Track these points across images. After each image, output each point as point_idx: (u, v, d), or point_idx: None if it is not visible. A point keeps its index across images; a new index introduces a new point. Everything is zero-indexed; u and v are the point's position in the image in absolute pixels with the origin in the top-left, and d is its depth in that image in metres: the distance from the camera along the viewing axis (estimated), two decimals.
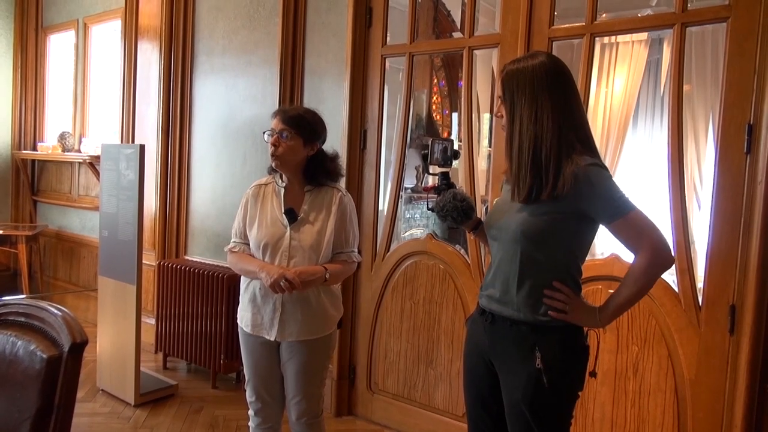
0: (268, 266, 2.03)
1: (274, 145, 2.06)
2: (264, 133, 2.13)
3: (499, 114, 1.65)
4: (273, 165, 2.11)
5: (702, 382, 2.23)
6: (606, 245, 2.62)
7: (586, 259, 1.65)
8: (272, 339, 2.09)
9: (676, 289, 2.27)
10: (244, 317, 2.16)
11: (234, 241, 2.20)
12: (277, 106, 3.35)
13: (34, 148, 5.24)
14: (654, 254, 1.50)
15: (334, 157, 2.20)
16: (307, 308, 2.09)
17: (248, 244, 2.16)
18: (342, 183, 2.85)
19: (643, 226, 1.51)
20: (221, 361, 3.45)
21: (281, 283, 1.94)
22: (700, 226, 3.01)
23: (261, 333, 2.11)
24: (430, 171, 1.95)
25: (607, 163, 1.63)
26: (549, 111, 1.53)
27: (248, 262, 2.11)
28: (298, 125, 2.08)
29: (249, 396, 2.21)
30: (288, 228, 2.08)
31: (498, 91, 1.65)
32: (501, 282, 1.64)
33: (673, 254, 1.54)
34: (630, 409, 2.38)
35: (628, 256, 1.60)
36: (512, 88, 1.59)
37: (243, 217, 2.18)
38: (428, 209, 1.92)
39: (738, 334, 2.14)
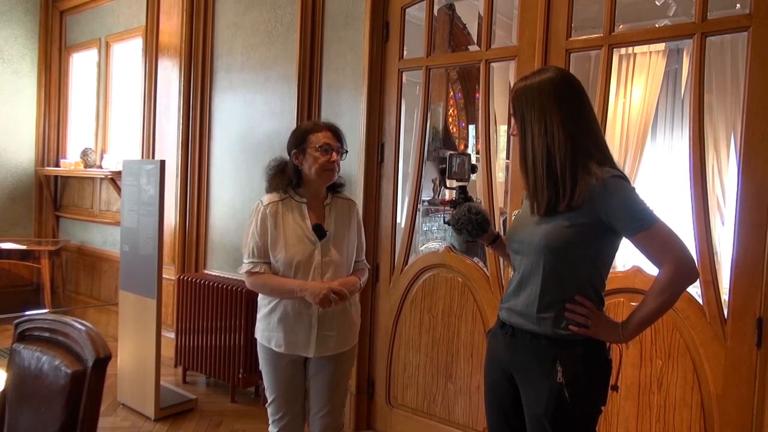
0: (310, 284, 2.00)
1: (335, 161, 2.06)
2: (319, 147, 2.03)
3: (513, 132, 1.66)
4: (328, 180, 2.09)
5: (729, 396, 2.18)
6: (627, 257, 2.58)
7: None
8: (311, 356, 2.08)
9: (701, 302, 2.23)
10: (272, 337, 2.09)
11: (252, 261, 2.08)
12: (295, 121, 3.38)
13: (57, 165, 5.34)
14: (678, 268, 1.48)
15: None
16: (341, 320, 2.11)
17: (269, 263, 2.08)
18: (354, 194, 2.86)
19: (667, 239, 1.50)
20: (240, 375, 3.45)
21: (330, 297, 1.95)
22: (724, 238, 2.97)
23: (296, 351, 2.08)
24: (448, 185, 1.95)
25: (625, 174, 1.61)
26: (559, 123, 1.53)
27: (282, 283, 2.04)
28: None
29: (274, 414, 2.16)
30: (318, 244, 2.08)
31: (509, 109, 1.65)
32: (522, 295, 1.63)
33: (698, 268, 1.52)
34: (655, 424, 2.33)
35: (650, 269, 1.57)
36: (521, 104, 1.60)
37: (262, 235, 2.07)
38: (444, 222, 1.93)
39: (765, 348, 2.09)
